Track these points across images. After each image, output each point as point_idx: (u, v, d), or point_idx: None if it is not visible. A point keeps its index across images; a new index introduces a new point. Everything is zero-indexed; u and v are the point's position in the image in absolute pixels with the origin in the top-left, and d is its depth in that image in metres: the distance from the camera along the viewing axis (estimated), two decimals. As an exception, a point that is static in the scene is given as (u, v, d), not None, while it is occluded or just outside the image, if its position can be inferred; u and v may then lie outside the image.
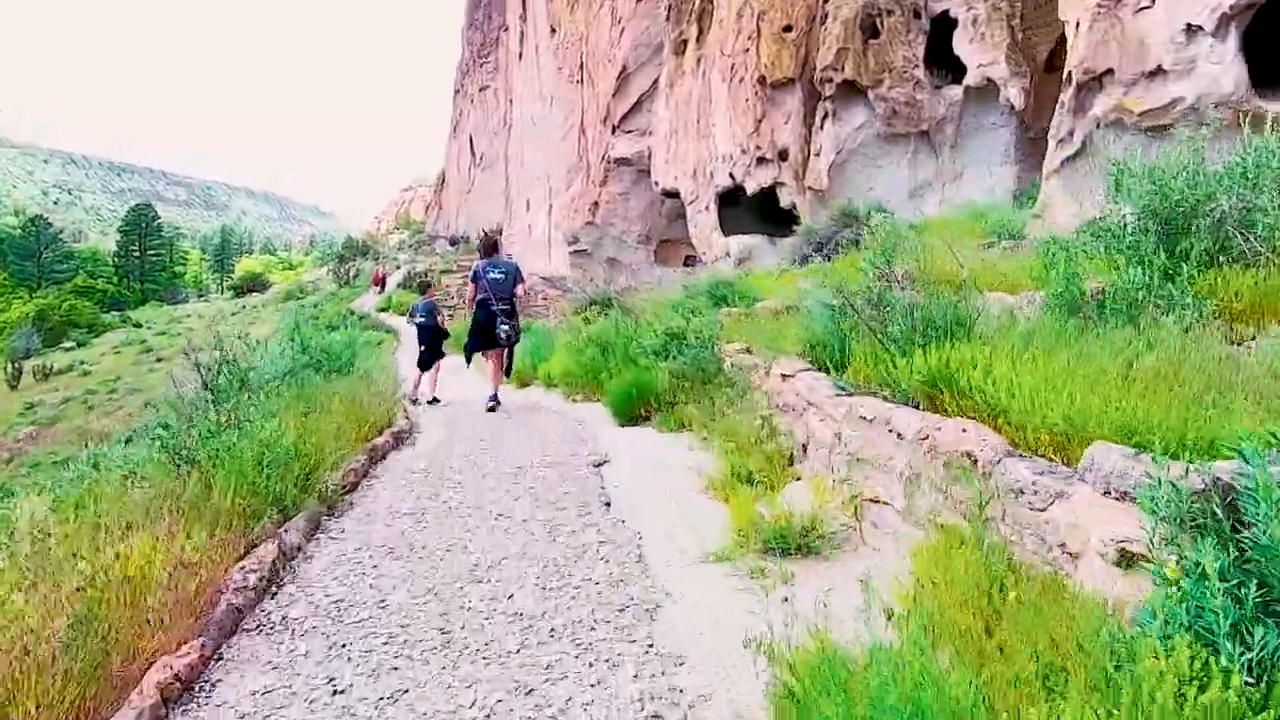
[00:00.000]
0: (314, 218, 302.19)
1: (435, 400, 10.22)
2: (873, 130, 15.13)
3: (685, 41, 20.12)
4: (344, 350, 7.90)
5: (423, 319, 11.00)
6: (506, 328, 8.68)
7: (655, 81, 23.88)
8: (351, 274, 53.62)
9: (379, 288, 48.02)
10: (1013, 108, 13.95)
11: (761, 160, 16.45)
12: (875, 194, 15.53)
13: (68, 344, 65.87)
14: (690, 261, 27.73)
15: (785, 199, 16.32)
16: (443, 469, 5.70)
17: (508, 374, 9.59)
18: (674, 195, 22.01)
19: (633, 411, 6.89)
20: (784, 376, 4.78)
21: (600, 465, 5.70)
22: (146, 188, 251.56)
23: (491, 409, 8.92)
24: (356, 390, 6.83)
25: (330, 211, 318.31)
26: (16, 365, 47.88)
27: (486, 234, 10.19)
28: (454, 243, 62.36)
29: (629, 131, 25.26)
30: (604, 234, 27.00)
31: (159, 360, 52.85)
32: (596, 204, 26.46)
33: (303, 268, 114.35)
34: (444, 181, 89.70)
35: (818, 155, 15.56)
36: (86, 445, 7.54)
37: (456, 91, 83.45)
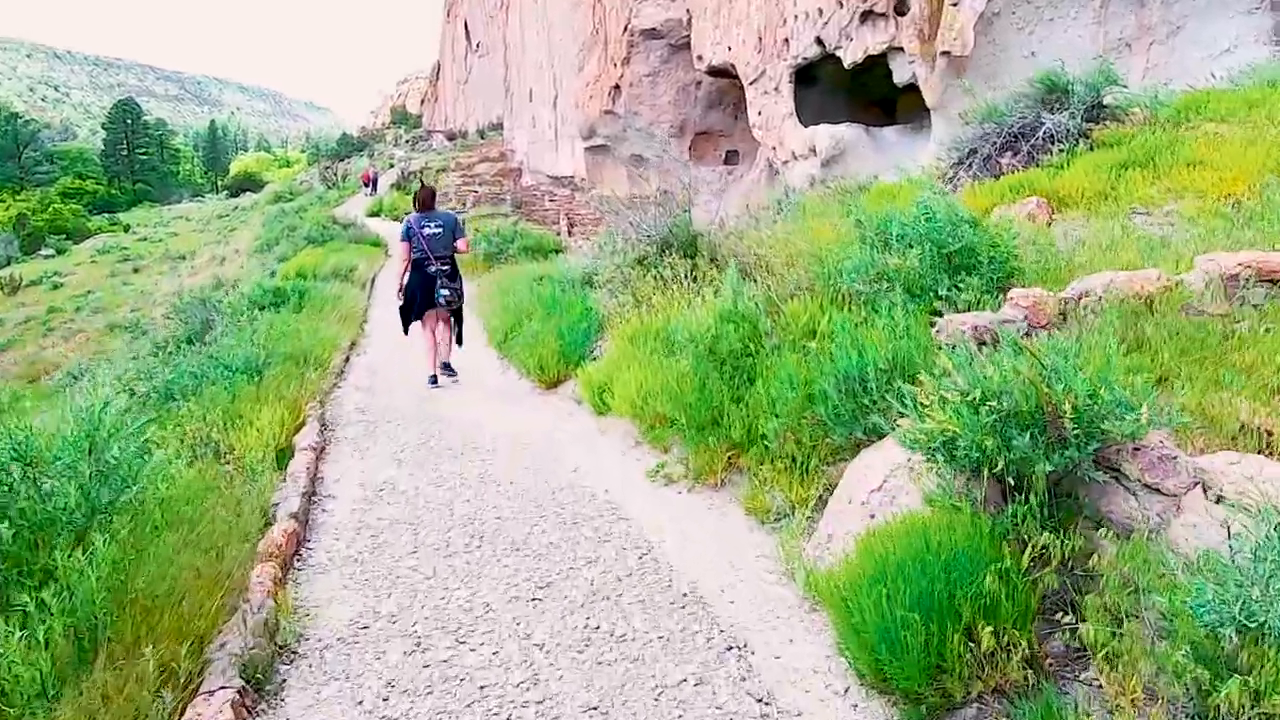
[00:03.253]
0: (310, 113, 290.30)
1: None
2: (1048, -38, 10.18)
3: None
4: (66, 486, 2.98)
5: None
6: (447, 292, 7.37)
7: (695, -77, 18.43)
8: (340, 175, 48.52)
9: (369, 188, 43.23)
10: (1286, -82, 8.99)
11: (868, 15, 11.54)
12: (1041, 62, 10.70)
13: (46, 251, 61.59)
14: (732, 159, 22.85)
15: (902, 71, 11.51)
16: None
17: (459, 341, 8.06)
18: (723, 74, 17.04)
19: (919, 664, 2.24)
20: None
21: None
22: (135, 83, 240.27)
23: (435, 383, 7.46)
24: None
25: (326, 106, 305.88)
26: (-15, 277, 43.76)
27: (423, 183, 8.51)
28: (451, 138, 56.99)
29: (660, -7, 19.94)
30: (627, 125, 22.04)
31: (135, 271, 48.56)
32: (618, 88, 21.39)
33: (299, 165, 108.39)
34: (439, 72, 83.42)
35: (955, 5, 10.66)
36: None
37: (451, -32, 75.91)
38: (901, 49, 11.26)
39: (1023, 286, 3.84)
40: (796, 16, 12.85)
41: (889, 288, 4.05)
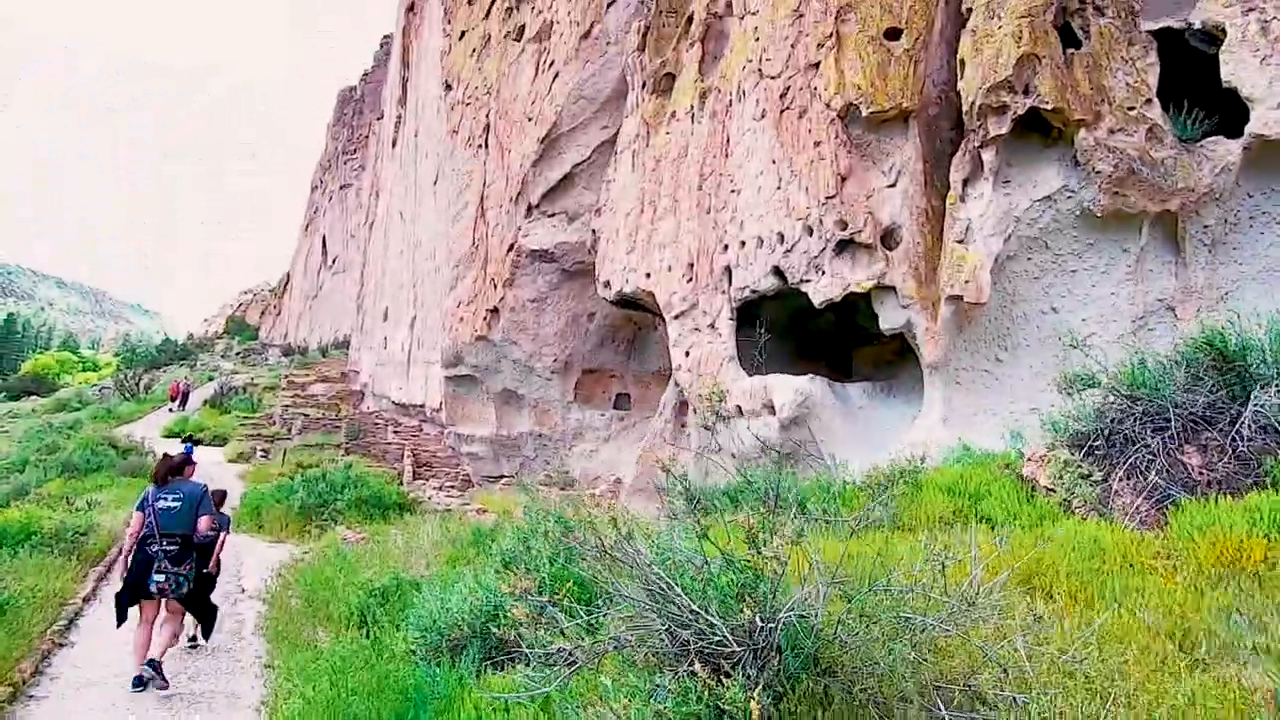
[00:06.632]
0: (136, 315, 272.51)
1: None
2: (1073, 204, 8.33)
3: (672, 75, 13.20)
4: None
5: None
6: (162, 578, 6.14)
7: (599, 148, 16.84)
8: (142, 385, 41.76)
9: (177, 403, 36.91)
10: (1356, 180, 7.58)
11: (846, 246, 9.25)
12: (1065, 319, 8.58)
13: None
14: (623, 403, 19.98)
15: (891, 316, 9.06)
16: None
17: (205, 635, 7.16)
18: (633, 304, 14.47)
19: None
20: None
21: None
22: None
23: (139, 686, 5.90)
24: None
25: (155, 310, 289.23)
26: None
27: (167, 455, 7.17)
28: (288, 353, 52.03)
29: (552, 215, 17.84)
30: (502, 355, 18.89)
31: None
32: (496, 311, 18.47)
33: (109, 369, 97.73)
34: (287, 284, 79.94)
35: (961, 242, 8.53)
36: None
37: (314, 188, 75.51)
38: (892, 289, 8.90)
39: None
40: (744, 242, 10.49)
41: None
